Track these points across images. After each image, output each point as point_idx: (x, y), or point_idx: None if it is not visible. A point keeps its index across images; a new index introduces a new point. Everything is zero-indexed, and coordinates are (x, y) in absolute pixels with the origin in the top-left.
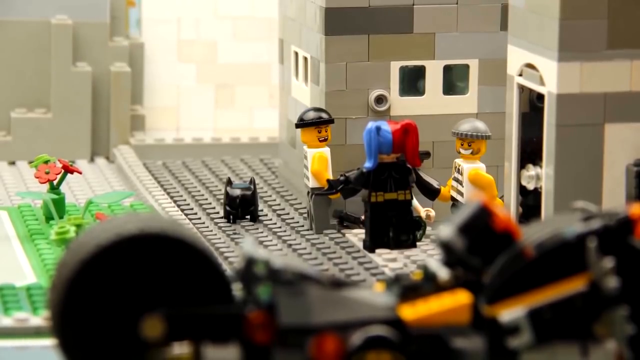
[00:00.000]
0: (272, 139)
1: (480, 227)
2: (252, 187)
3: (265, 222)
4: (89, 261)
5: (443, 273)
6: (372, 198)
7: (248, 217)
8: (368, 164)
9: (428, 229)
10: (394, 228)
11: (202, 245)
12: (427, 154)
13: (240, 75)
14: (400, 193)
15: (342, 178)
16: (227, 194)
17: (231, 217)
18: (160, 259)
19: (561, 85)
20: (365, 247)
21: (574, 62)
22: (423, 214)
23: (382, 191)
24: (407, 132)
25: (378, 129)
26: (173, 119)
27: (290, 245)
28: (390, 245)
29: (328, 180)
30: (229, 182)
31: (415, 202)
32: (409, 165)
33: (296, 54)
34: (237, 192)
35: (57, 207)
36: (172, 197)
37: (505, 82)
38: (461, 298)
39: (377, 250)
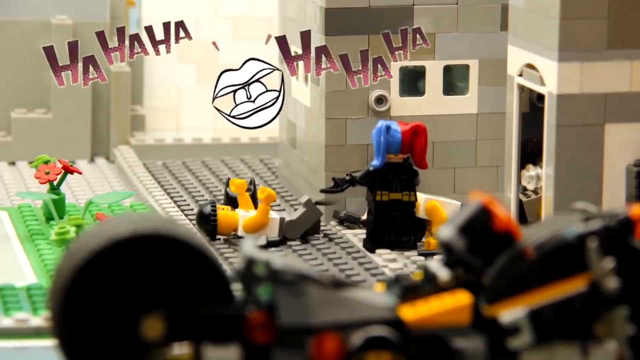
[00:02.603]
0: (272, 139)
1: (481, 228)
2: (252, 187)
3: None
4: (84, 267)
5: (443, 273)
6: (377, 197)
7: None
8: (375, 162)
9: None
10: (397, 228)
11: (198, 243)
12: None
13: None
14: (405, 194)
15: (347, 177)
16: (227, 194)
17: None
18: (156, 259)
19: (561, 86)
20: (365, 246)
21: (574, 62)
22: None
23: (388, 190)
24: (417, 133)
25: (388, 128)
26: (173, 119)
27: (290, 246)
28: (391, 245)
29: (334, 179)
30: (228, 183)
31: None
32: (415, 167)
33: (296, 54)
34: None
35: (57, 207)
36: (172, 198)
37: (505, 82)
38: (461, 298)
39: (378, 251)
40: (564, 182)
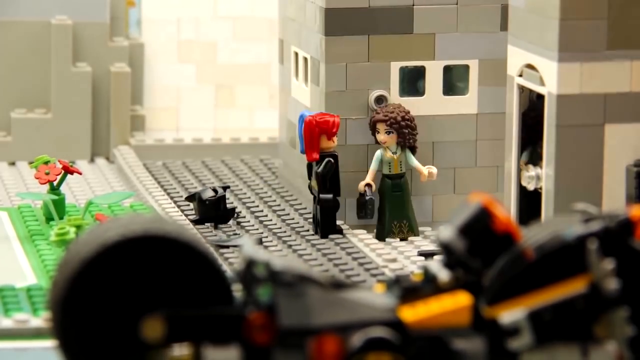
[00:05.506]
0: (272, 139)
1: (481, 229)
2: (217, 192)
3: (265, 222)
4: (92, 260)
5: (443, 274)
6: None
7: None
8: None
9: (429, 228)
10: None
11: (199, 245)
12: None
13: (240, 75)
14: None
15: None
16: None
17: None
18: (163, 260)
19: (561, 86)
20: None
21: (574, 62)
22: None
23: None
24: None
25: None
26: (173, 119)
27: (290, 246)
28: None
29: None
30: (194, 197)
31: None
32: None
33: (296, 54)
34: (208, 193)
35: (57, 207)
36: (172, 198)
37: (505, 82)
38: (461, 299)
39: (377, 251)
40: (564, 182)
